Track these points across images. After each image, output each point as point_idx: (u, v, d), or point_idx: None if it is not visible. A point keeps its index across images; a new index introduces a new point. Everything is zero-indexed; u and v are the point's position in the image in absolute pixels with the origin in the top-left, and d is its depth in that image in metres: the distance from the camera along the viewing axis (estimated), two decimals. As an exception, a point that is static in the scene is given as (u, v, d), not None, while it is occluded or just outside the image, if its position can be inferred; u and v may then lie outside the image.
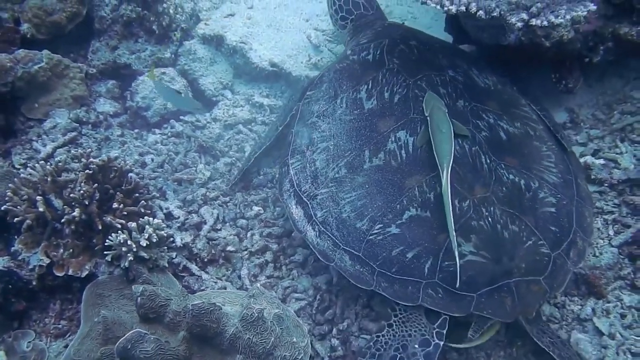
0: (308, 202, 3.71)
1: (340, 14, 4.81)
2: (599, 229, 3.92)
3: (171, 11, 5.04)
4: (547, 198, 3.51)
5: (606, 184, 4.04)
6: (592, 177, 4.06)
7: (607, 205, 3.99)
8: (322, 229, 3.61)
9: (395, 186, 3.48)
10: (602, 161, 4.10)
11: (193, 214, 4.15)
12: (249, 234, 4.12)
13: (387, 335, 3.38)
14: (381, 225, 3.41)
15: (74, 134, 4.55)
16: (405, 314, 3.39)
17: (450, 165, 3.27)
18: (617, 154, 4.15)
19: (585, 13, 2.93)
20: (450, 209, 3.17)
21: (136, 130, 4.89)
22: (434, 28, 5.20)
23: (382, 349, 3.34)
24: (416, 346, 3.28)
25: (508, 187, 3.46)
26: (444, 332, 3.29)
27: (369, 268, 3.41)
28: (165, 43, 5.15)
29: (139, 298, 3.09)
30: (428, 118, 3.53)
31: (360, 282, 3.43)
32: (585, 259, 3.56)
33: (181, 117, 4.86)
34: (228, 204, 4.29)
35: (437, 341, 3.28)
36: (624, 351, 3.42)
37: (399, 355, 3.28)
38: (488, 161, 3.51)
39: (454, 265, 3.19)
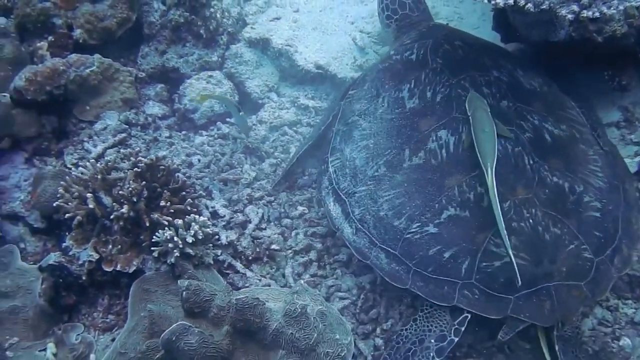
0: (346, 200, 3.72)
1: (386, 13, 4.83)
2: (654, 230, 3.78)
3: (218, 15, 5.10)
4: (591, 202, 3.43)
5: (663, 183, 3.90)
6: (648, 175, 3.93)
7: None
8: (359, 226, 3.61)
9: (435, 185, 3.46)
10: (658, 159, 3.98)
11: (238, 213, 4.18)
12: (293, 233, 4.13)
13: (410, 330, 3.43)
14: (419, 224, 3.39)
15: (123, 135, 4.65)
16: (430, 309, 3.40)
17: (494, 165, 3.22)
18: (674, 152, 4.02)
19: (638, 4, 2.83)
20: (499, 209, 3.11)
21: (183, 132, 4.95)
22: (482, 28, 5.14)
23: (401, 342, 3.40)
24: (432, 341, 3.32)
25: (551, 189, 3.39)
26: (462, 329, 3.29)
27: (405, 267, 3.40)
28: (213, 47, 5.21)
29: (184, 292, 3.14)
30: (470, 118, 3.49)
31: (395, 280, 3.43)
32: (631, 266, 3.44)
33: (227, 120, 4.91)
34: (273, 203, 4.31)
35: (452, 337, 3.30)
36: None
37: (413, 348, 3.33)
38: (531, 162, 3.45)
39: (492, 267, 3.20)
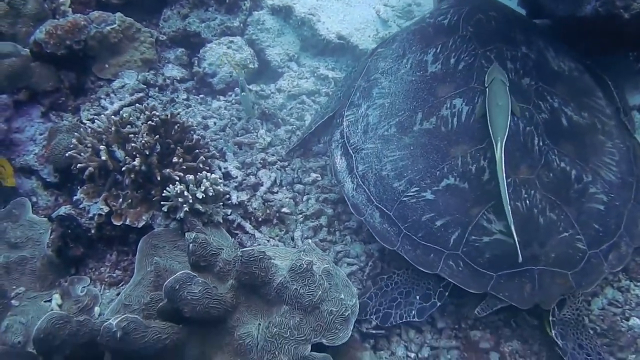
0: (353, 155, 3.69)
1: None
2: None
3: (242, -20, 5.09)
4: (597, 194, 3.35)
5: (685, 167, 3.78)
6: (667, 160, 3.82)
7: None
8: (360, 182, 3.59)
9: (440, 152, 3.41)
10: (682, 143, 3.87)
11: (251, 176, 4.15)
12: (304, 198, 4.10)
13: (401, 276, 3.47)
14: (417, 188, 3.37)
15: (140, 94, 4.64)
16: None
17: (504, 140, 3.18)
18: (699, 136, 3.90)
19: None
20: (505, 184, 3.08)
21: (201, 96, 4.93)
22: (508, 3, 5.02)
23: (389, 287, 3.45)
24: (417, 297, 3.36)
25: (556, 174, 3.32)
26: (446, 294, 3.31)
27: (396, 228, 3.38)
28: (235, 12, 5.18)
29: (190, 245, 3.09)
30: (487, 89, 3.44)
31: (385, 240, 3.42)
32: (626, 263, 3.35)
33: (246, 86, 4.87)
34: (286, 168, 4.27)
35: (435, 300, 3.32)
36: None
37: (399, 299, 3.38)
38: (541, 144, 3.38)
39: (480, 242, 3.18)
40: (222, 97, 4.90)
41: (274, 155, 4.34)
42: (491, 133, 3.24)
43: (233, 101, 4.82)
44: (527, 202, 3.21)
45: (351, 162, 3.69)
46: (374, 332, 3.38)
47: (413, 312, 3.32)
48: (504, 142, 3.16)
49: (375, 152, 3.58)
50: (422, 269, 3.28)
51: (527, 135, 3.38)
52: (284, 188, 4.15)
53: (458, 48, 3.77)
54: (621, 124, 3.75)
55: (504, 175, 3.09)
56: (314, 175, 4.19)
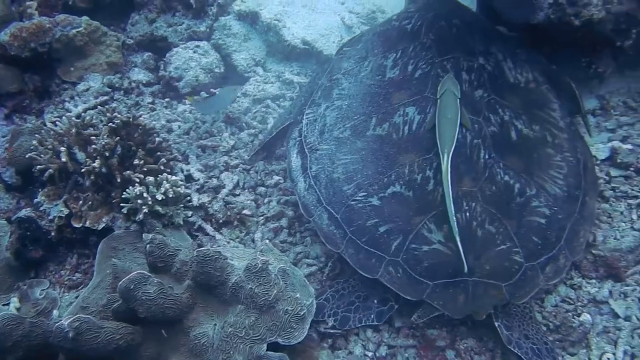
0: (308, 155, 3.70)
1: None
2: (622, 212, 3.79)
3: (209, -14, 5.13)
4: (539, 208, 3.36)
5: (632, 169, 3.90)
6: (618, 161, 3.95)
7: (633, 190, 3.85)
8: (313, 183, 3.61)
9: (389, 159, 3.45)
10: (629, 146, 3.97)
11: (213, 179, 4.17)
12: (266, 200, 4.12)
13: (358, 280, 3.49)
14: (365, 193, 3.40)
15: (105, 97, 4.66)
16: None
17: (451, 153, 3.24)
18: (646, 140, 4.01)
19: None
20: (451, 196, 3.14)
21: (167, 99, 4.95)
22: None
23: (346, 291, 3.47)
24: (375, 301, 3.39)
25: (499, 187, 3.34)
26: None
27: (342, 231, 3.41)
28: (202, 17, 5.22)
29: (148, 245, 3.11)
30: (438, 101, 3.49)
31: (330, 242, 3.45)
32: (564, 275, 3.39)
33: (212, 90, 4.89)
34: (250, 171, 4.30)
35: (393, 303, 3.37)
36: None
37: (357, 303, 3.41)
38: (486, 157, 3.40)
39: (420, 250, 3.22)
40: (187, 101, 4.91)
41: (237, 158, 4.36)
42: (439, 145, 3.29)
43: (199, 105, 4.84)
44: (467, 214, 3.24)
45: (305, 162, 3.70)
46: (331, 331, 3.40)
47: (372, 315, 3.35)
48: (450, 155, 3.22)
49: (329, 154, 3.61)
50: (363, 273, 3.32)
51: (474, 148, 3.41)
52: (246, 190, 4.17)
53: (417, 55, 3.81)
54: (575, 136, 3.76)
55: (450, 187, 3.14)
56: (276, 177, 4.22)
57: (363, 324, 3.35)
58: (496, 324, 3.24)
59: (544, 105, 3.78)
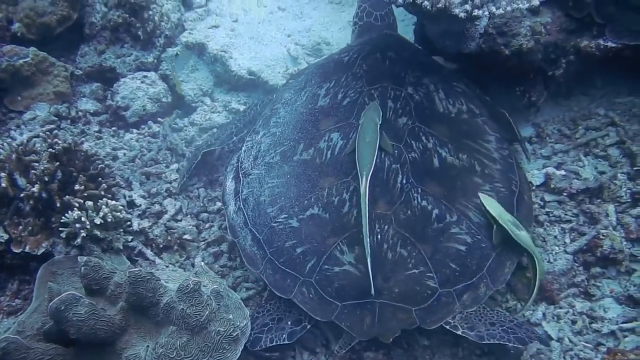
0: (241, 179, 3.81)
1: (355, 20, 4.87)
2: (555, 236, 3.93)
3: (156, 18, 5.22)
4: (459, 235, 3.39)
5: (565, 194, 4.04)
6: (552, 186, 4.09)
7: (566, 214, 4.00)
8: (242, 205, 3.71)
9: (310, 182, 3.57)
10: (563, 172, 4.13)
11: (156, 204, 4.24)
12: (207, 226, 4.19)
13: (273, 305, 3.53)
14: (286, 215, 3.50)
15: (51, 126, 4.69)
16: None
17: (370, 175, 3.32)
18: (579, 166, 4.18)
19: (525, 6, 3.01)
20: (367, 219, 3.21)
21: (114, 128, 5.01)
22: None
23: (261, 314, 3.49)
24: (289, 323, 3.40)
25: (414, 212, 3.41)
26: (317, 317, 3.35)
27: (263, 252, 3.50)
28: (149, 49, 5.32)
29: (82, 268, 3.13)
30: (360, 126, 3.60)
31: (251, 263, 3.54)
32: (481, 304, 3.37)
33: (159, 119, 4.98)
34: (192, 197, 4.37)
35: (306, 324, 3.39)
36: (572, 357, 3.42)
37: (270, 324, 3.42)
38: (404, 182, 3.49)
39: (331, 271, 3.29)
40: (135, 130, 4.98)
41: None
42: (358, 168, 3.39)
43: (146, 134, 4.91)
44: (379, 236, 3.31)
45: (238, 186, 3.80)
46: (267, 354, 3.44)
47: (284, 335, 3.35)
48: (369, 177, 3.31)
49: (259, 178, 3.71)
50: (277, 293, 3.39)
51: (392, 172, 3.51)
52: (189, 216, 4.24)
53: (348, 84, 3.95)
54: (511, 168, 3.79)
55: (367, 209, 3.22)
56: (219, 204, 4.29)
57: (274, 343, 3.34)
58: (459, 332, 3.24)
59: (476, 135, 3.84)
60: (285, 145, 3.78)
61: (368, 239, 3.17)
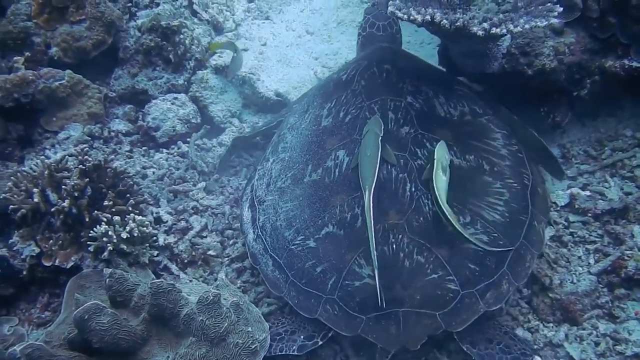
0: (257, 207, 3.90)
1: (359, 31, 4.86)
2: (579, 257, 3.88)
3: (187, 42, 5.36)
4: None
5: (590, 214, 4.00)
6: (577, 207, 4.04)
7: (591, 235, 3.95)
8: (260, 233, 3.78)
9: (323, 202, 3.62)
10: (588, 193, 4.10)
11: (182, 221, 4.33)
12: (231, 242, 4.26)
13: (289, 318, 3.59)
14: (303, 237, 3.56)
15: (84, 146, 4.82)
16: None
17: (372, 188, 3.35)
18: (605, 187, 4.14)
19: (544, 24, 3.04)
20: (373, 233, 3.24)
21: (144, 148, 5.13)
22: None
23: (275, 325, 3.54)
24: (302, 337, 3.45)
25: (426, 218, 3.44)
26: (330, 334, 3.41)
27: (284, 276, 3.56)
28: (180, 71, 5.46)
29: (107, 279, 3.22)
30: (361, 141, 3.65)
31: (274, 287, 3.61)
32: (505, 301, 3.44)
33: (188, 139, 5.10)
34: (218, 214, 4.45)
35: (318, 340, 3.42)
36: (595, 379, 3.36)
37: (283, 335, 3.47)
38: (413, 190, 3.53)
39: (352, 286, 3.33)
40: (165, 150, 5.10)
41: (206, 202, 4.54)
42: (361, 182, 3.44)
43: (175, 153, 5.03)
44: (394, 246, 3.35)
45: (255, 214, 3.89)
46: None
47: (294, 347, 3.40)
48: (372, 190, 3.34)
49: (273, 204, 3.79)
50: (303, 314, 3.44)
51: (399, 182, 3.55)
52: (214, 233, 4.32)
53: (348, 102, 4.00)
54: (521, 163, 3.85)
55: (372, 221, 3.25)
56: (243, 220, 4.36)
57: (283, 352, 3.39)
58: (464, 347, 3.30)
59: (482, 135, 3.88)
60: (295, 168, 3.85)
61: (375, 252, 3.20)
